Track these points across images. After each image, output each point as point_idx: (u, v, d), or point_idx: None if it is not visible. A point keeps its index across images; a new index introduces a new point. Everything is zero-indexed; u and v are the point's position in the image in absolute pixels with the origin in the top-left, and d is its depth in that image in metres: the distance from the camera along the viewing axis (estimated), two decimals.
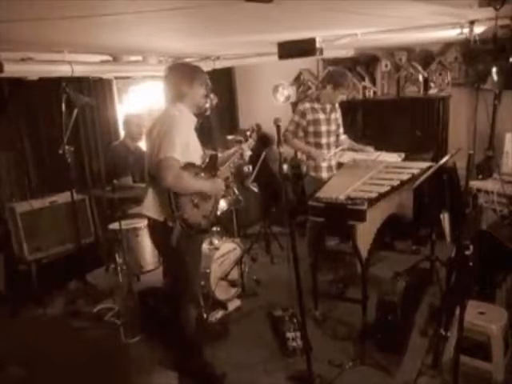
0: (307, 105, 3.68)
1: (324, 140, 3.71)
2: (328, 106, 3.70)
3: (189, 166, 2.41)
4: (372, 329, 2.94)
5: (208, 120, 4.53)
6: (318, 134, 3.69)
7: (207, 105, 2.65)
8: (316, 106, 3.68)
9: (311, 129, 3.67)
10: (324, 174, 3.72)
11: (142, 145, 3.98)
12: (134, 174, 3.91)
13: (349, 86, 3.71)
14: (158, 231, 2.56)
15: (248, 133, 2.84)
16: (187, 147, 2.41)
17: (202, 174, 2.54)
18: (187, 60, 4.76)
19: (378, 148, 4.05)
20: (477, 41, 3.19)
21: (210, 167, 2.61)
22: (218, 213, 2.96)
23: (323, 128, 3.69)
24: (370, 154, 3.91)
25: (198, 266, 2.77)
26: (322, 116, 3.68)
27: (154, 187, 2.51)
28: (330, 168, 3.77)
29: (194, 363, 2.71)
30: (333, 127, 3.76)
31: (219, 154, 2.74)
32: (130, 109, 4.77)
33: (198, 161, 2.53)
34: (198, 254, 2.75)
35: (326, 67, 5.19)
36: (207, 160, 2.61)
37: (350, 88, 3.87)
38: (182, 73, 2.53)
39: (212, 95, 2.70)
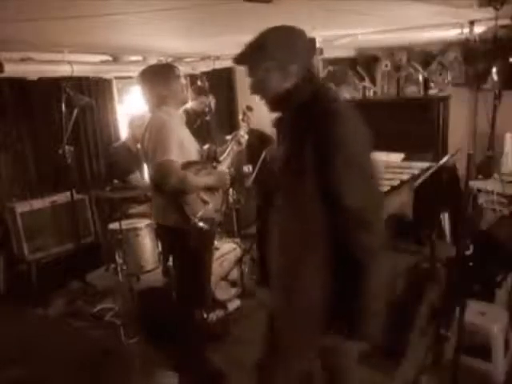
0: None
1: None
2: None
3: (188, 165, 2.41)
4: None
5: (207, 120, 4.53)
6: None
7: (206, 109, 2.63)
8: None
9: None
10: None
11: None
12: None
13: (350, 85, 3.71)
14: (173, 237, 2.54)
15: (240, 116, 2.83)
16: (182, 146, 2.39)
17: (204, 170, 2.53)
18: (187, 60, 4.76)
19: (377, 148, 4.04)
20: (477, 41, 3.19)
21: (210, 160, 2.60)
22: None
23: None
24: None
25: (211, 265, 2.77)
26: None
27: (160, 194, 2.50)
28: None
29: (195, 363, 2.71)
30: None
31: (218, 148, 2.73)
32: (130, 109, 4.77)
33: (195, 156, 2.52)
34: (211, 254, 2.75)
35: (326, 67, 5.19)
36: (206, 154, 2.60)
37: (352, 87, 3.87)
38: (155, 76, 2.49)
39: (210, 96, 2.69)
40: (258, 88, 1.64)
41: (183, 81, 2.56)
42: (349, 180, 1.44)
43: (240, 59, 1.62)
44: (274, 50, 1.53)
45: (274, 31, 1.56)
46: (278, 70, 1.54)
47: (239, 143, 2.73)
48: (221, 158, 2.68)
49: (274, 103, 1.63)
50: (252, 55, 1.57)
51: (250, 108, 2.81)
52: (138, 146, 4.07)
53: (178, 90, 2.51)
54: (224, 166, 2.65)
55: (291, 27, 1.57)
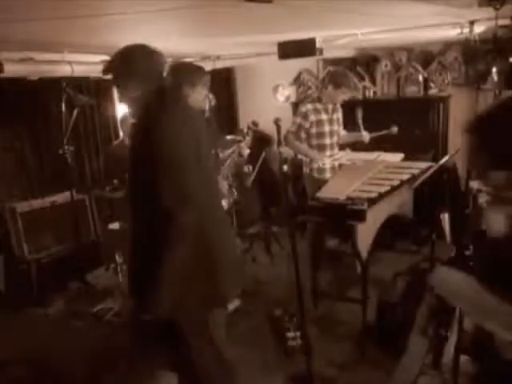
0: (309, 106, 3.65)
1: (327, 141, 3.69)
2: (330, 106, 3.69)
3: None
4: (372, 329, 2.94)
5: (207, 121, 4.52)
6: (321, 135, 3.67)
7: (206, 106, 2.64)
8: (318, 106, 3.65)
9: (314, 130, 3.65)
10: (328, 175, 3.70)
11: None
12: None
13: (350, 85, 3.70)
14: None
15: (245, 130, 2.84)
16: None
17: None
18: (187, 60, 4.75)
19: (377, 148, 4.04)
20: (477, 41, 3.19)
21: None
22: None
23: (326, 128, 3.67)
24: (370, 154, 3.90)
25: None
26: (324, 116, 3.66)
27: None
28: (333, 169, 3.76)
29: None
30: (335, 127, 3.75)
31: (220, 154, 2.74)
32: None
33: None
34: None
35: (326, 67, 5.19)
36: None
37: (352, 87, 3.86)
38: (184, 73, 2.50)
39: (210, 96, 2.70)
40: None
41: (207, 92, 2.57)
42: (159, 181, 1.67)
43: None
44: (118, 68, 1.84)
45: (122, 51, 1.85)
46: (124, 86, 1.85)
47: (240, 155, 2.75)
48: (222, 167, 2.69)
49: (130, 112, 1.99)
50: (108, 72, 1.92)
51: (255, 124, 2.82)
52: None
53: (200, 96, 2.51)
54: (221, 176, 2.66)
55: (140, 46, 1.83)
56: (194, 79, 2.47)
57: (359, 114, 4.07)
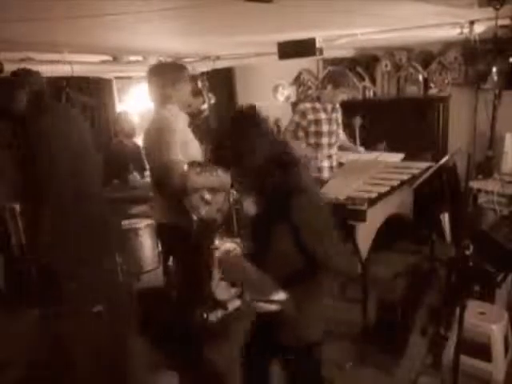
0: (308, 105, 3.66)
1: (325, 140, 3.70)
2: (329, 106, 3.69)
3: (192, 166, 2.41)
4: (372, 329, 2.94)
5: (207, 120, 4.53)
6: (319, 134, 3.67)
7: (205, 105, 2.64)
8: (317, 105, 3.66)
9: (312, 129, 3.65)
10: (326, 175, 3.71)
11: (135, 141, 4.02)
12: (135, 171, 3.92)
13: (349, 85, 3.71)
14: (171, 235, 2.54)
15: None
16: (186, 146, 2.39)
17: (206, 172, 2.53)
18: (187, 60, 4.76)
19: (377, 148, 4.04)
20: (477, 41, 3.19)
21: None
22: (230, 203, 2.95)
23: (324, 128, 3.67)
24: (370, 154, 3.91)
25: (210, 265, 2.77)
26: (323, 116, 3.67)
27: (161, 192, 2.49)
28: (331, 169, 3.76)
29: (195, 363, 2.71)
30: (334, 127, 3.75)
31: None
32: (130, 109, 4.77)
33: (198, 158, 2.52)
34: (211, 254, 2.76)
35: (326, 67, 5.19)
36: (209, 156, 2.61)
37: (351, 87, 3.87)
38: (162, 75, 2.45)
39: (210, 94, 2.70)
40: None
41: (191, 87, 2.55)
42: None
43: None
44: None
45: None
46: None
47: None
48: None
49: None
50: None
51: None
52: (133, 140, 4.10)
53: (184, 93, 2.49)
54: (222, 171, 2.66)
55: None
56: (172, 79, 2.44)
57: (357, 123, 4.09)
